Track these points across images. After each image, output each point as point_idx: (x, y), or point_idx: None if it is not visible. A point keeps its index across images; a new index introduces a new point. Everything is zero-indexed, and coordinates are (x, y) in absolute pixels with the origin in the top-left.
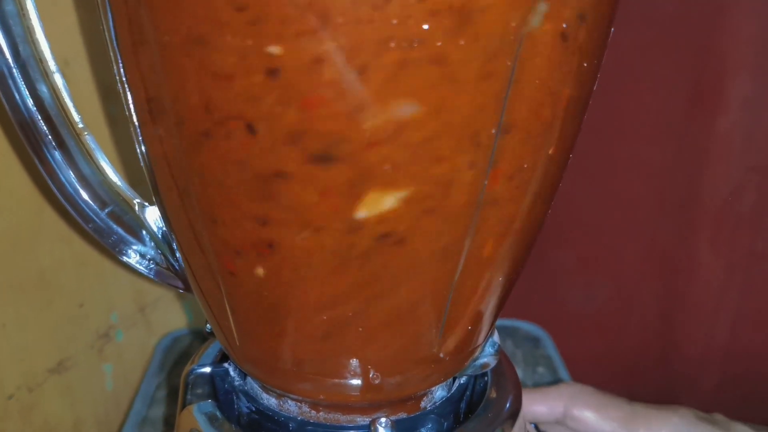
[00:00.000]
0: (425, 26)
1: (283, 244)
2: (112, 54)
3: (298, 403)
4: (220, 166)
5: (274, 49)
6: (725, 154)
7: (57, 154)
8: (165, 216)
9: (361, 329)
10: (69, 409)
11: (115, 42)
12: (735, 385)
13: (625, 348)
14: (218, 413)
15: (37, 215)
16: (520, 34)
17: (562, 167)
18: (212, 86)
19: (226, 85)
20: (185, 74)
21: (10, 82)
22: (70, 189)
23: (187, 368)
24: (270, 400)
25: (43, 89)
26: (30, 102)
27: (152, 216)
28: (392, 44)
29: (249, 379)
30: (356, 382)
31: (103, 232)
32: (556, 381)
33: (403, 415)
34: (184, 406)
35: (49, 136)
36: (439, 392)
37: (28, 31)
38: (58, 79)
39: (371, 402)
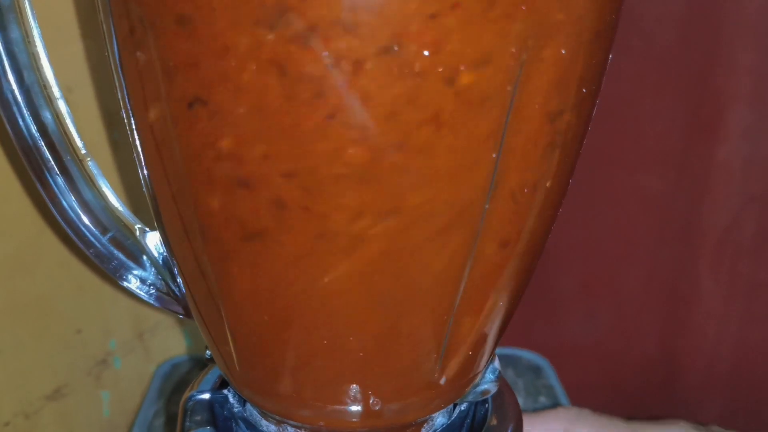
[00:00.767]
0: None
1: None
2: (116, 80)
3: (298, 430)
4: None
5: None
6: (725, 183)
7: (59, 180)
8: (166, 241)
9: (361, 354)
10: None
11: (119, 68)
12: (737, 413)
13: (626, 376)
14: None
15: (37, 240)
16: (520, 60)
17: (561, 195)
18: None
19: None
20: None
21: (15, 108)
22: (71, 214)
23: (186, 394)
24: (269, 427)
25: (46, 115)
26: (33, 128)
27: (153, 241)
28: None
29: (248, 405)
30: (356, 408)
31: (104, 258)
32: (554, 405)
33: None
34: None
35: (52, 162)
36: (440, 419)
37: (33, 57)
38: (62, 106)
39: (371, 428)
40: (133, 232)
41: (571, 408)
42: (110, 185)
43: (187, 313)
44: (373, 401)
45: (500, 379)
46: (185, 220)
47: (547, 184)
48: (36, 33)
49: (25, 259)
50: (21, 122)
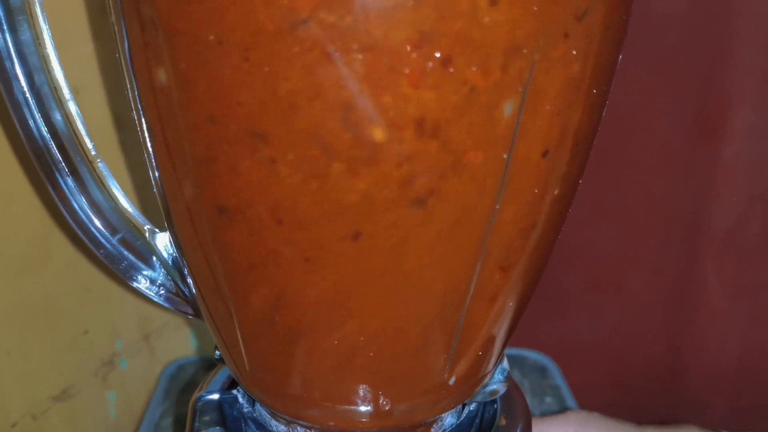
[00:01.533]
0: None
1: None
2: (127, 81)
3: (308, 430)
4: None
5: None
6: (730, 184)
7: (70, 181)
8: (176, 242)
9: (371, 354)
10: None
11: (131, 69)
12: (743, 413)
13: (632, 376)
14: None
15: (45, 241)
16: (532, 60)
17: (570, 197)
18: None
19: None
20: (200, 100)
21: (26, 109)
22: (82, 215)
23: (196, 395)
24: (279, 427)
25: (57, 117)
26: (44, 129)
27: (163, 242)
28: None
29: (258, 405)
30: (366, 408)
31: (114, 259)
32: (563, 410)
33: None
34: None
35: (63, 163)
36: (449, 419)
37: (44, 59)
38: (72, 107)
39: (381, 429)
40: (142, 233)
41: (581, 411)
42: (120, 186)
43: (197, 314)
44: (382, 401)
45: (509, 379)
46: (196, 222)
47: (556, 188)
48: (47, 35)
49: (32, 260)
50: (32, 123)
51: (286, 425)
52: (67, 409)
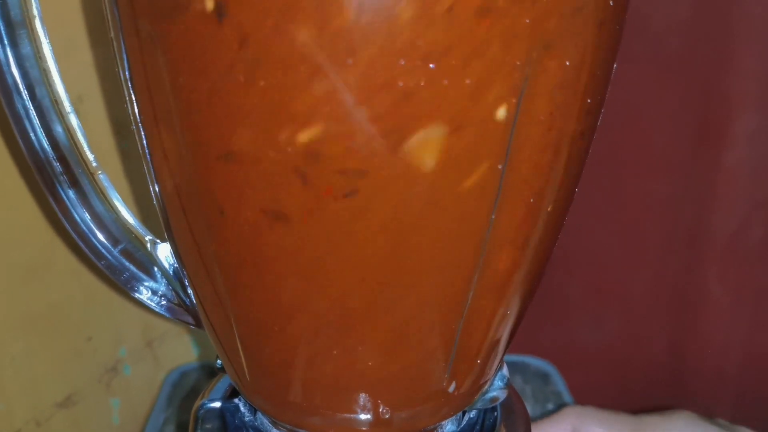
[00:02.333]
0: None
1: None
2: (126, 96)
3: None
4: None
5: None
6: (732, 189)
7: (71, 193)
8: (177, 252)
9: (371, 363)
10: None
11: (129, 82)
12: (746, 419)
13: (634, 381)
14: None
15: (48, 249)
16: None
17: (569, 201)
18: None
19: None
20: (200, 113)
21: (27, 122)
22: (83, 227)
23: (197, 403)
24: None
25: (58, 129)
26: (45, 142)
27: (164, 253)
28: None
29: (259, 414)
30: (366, 416)
31: (116, 269)
32: (559, 408)
33: None
34: None
35: (64, 175)
36: (449, 426)
37: (44, 73)
38: (73, 120)
39: None
40: (144, 244)
41: (576, 406)
42: (120, 195)
43: (198, 324)
44: (382, 409)
45: (509, 386)
46: (196, 233)
47: (555, 191)
48: (47, 49)
49: (36, 268)
50: (33, 136)
51: None
52: (71, 416)
